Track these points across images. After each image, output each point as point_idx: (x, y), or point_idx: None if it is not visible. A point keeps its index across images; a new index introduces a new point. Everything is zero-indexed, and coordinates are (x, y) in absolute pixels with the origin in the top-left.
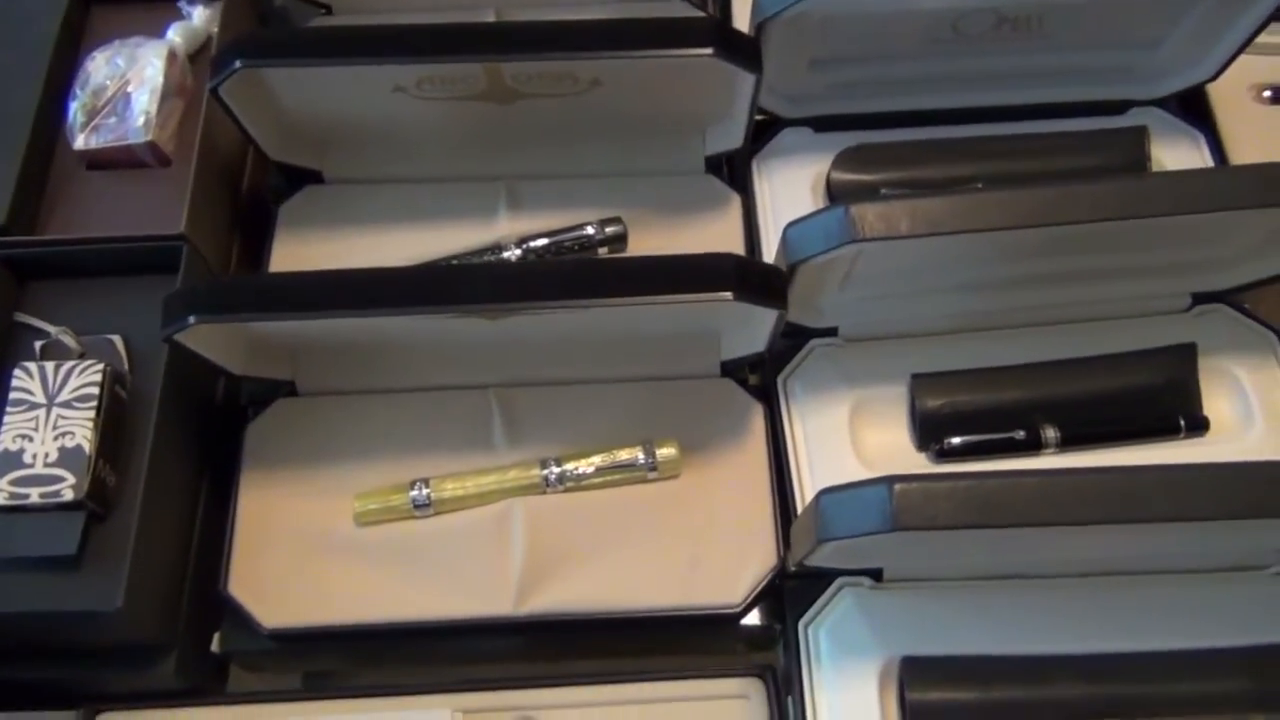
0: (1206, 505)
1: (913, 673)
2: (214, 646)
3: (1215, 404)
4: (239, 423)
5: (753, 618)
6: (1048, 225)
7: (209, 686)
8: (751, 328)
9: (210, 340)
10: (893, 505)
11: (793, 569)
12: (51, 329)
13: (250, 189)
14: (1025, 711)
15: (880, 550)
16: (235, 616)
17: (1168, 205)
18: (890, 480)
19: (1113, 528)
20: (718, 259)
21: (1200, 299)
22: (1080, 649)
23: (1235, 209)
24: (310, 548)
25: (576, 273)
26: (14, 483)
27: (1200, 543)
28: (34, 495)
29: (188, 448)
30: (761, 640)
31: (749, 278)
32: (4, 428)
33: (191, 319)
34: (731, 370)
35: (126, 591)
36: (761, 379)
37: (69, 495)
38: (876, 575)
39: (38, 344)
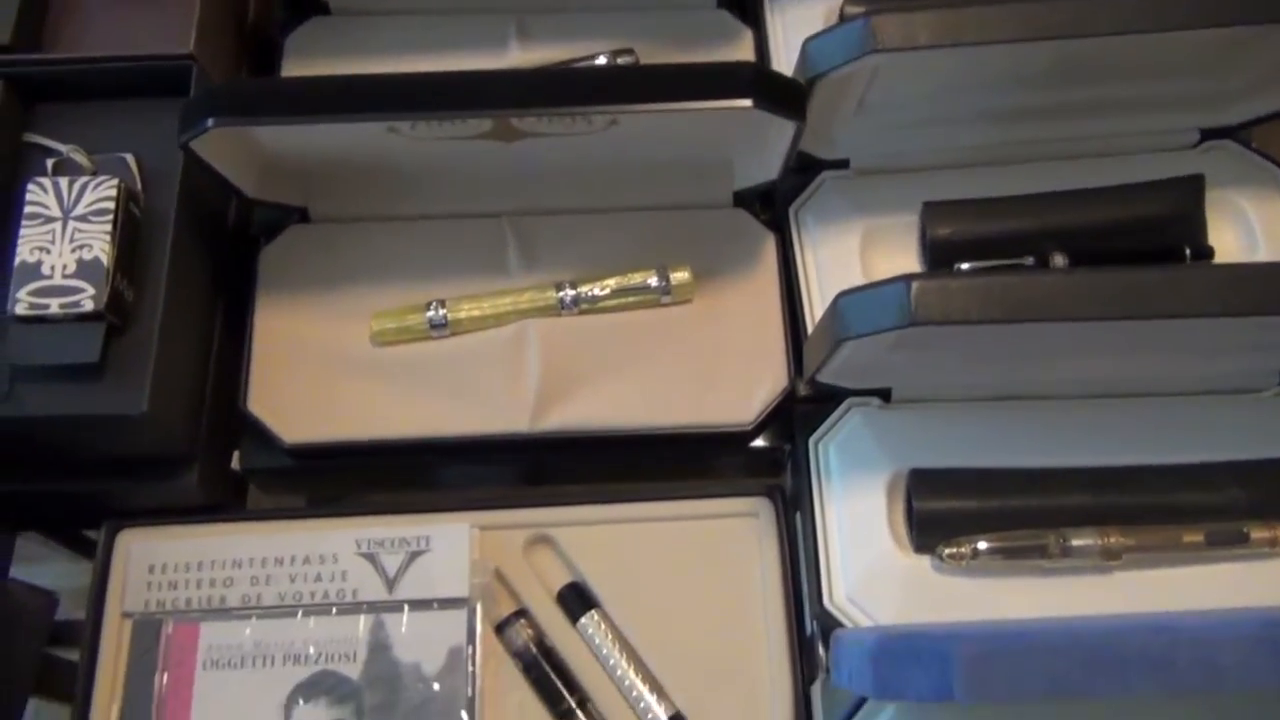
0: (1217, 301)
1: (919, 483)
2: (234, 464)
3: (1221, 235)
4: (252, 253)
5: (761, 441)
6: (1067, 37)
7: (229, 504)
8: (765, 152)
9: (227, 152)
10: (911, 300)
11: (804, 387)
12: (63, 147)
13: (255, 23)
14: (1028, 518)
15: (890, 366)
16: (254, 433)
17: (1183, 18)
18: (908, 278)
19: (1123, 331)
20: (737, 66)
21: (1208, 135)
22: (1082, 464)
23: (1249, 23)
24: (327, 367)
25: (595, 78)
26: (33, 293)
27: (1202, 356)
28: (54, 306)
29: (203, 269)
30: (771, 463)
31: (768, 85)
32: (20, 240)
33: (210, 121)
34: (744, 201)
35: (150, 396)
36: (773, 212)
37: (89, 305)
38: (885, 396)
39: (49, 162)
